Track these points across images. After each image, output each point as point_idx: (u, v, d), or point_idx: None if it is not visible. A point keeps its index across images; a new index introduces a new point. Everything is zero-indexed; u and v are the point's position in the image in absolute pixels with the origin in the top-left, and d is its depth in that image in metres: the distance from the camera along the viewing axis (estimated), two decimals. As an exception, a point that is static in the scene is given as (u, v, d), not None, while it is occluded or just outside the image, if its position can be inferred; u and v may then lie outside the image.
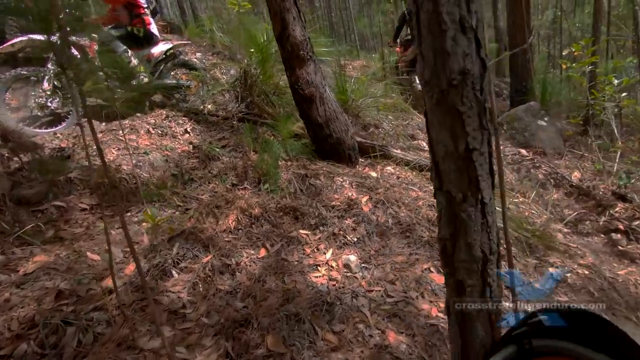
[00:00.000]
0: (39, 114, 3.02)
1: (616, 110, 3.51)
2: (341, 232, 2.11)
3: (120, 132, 2.93)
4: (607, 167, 3.74)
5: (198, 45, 6.32)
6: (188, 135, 3.16)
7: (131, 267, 1.67)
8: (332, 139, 2.87)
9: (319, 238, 2.09)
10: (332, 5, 14.40)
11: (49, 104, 2.94)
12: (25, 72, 2.82)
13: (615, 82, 3.33)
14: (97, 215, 2.17)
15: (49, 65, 2.96)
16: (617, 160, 3.41)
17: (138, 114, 3.33)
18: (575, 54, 3.45)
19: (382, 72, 5.66)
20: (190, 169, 2.72)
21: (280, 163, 2.88)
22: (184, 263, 1.72)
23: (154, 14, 3.68)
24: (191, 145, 2.96)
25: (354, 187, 2.62)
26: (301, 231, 2.14)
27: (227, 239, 2.00)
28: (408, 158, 3.12)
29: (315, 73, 2.75)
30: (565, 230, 2.69)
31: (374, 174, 2.84)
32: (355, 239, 2.07)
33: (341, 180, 2.67)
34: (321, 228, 2.16)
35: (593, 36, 4.94)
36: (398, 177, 2.84)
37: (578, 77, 3.48)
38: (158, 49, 3.63)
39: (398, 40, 5.94)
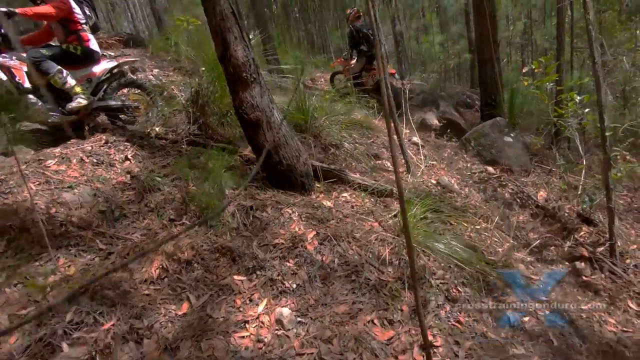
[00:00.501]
0: None
1: (579, 126, 3.44)
2: (280, 277, 1.90)
3: (49, 161, 2.66)
4: (573, 183, 3.66)
5: (162, 60, 6.07)
6: (129, 162, 2.90)
7: (14, 339, 1.41)
8: (282, 165, 2.67)
9: (254, 285, 1.86)
10: (309, 18, 14.38)
11: None
12: None
13: (578, 98, 3.25)
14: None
15: None
16: (582, 178, 3.32)
17: (73, 140, 3.06)
18: (536, 70, 3.36)
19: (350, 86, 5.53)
20: (124, 203, 2.46)
21: (227, 192, 2.67)
22: (79, 332, 1.46)
23: (94, 29, 3.42)
24: (129, 175, 2.70)
25: (303, 219, 2.42)
26: (236, 277, 1.91)
27: (145, 292, 1.75)
28: (366, 183, 2.94)
29: (262, 96, 2.55)
30: (529, 258, 2.55)
31: (327, 203, 2.64)
32: (295, 286, 1.86)
33: (290, 212, 2.46)
34: (258, 272, 1.94)
35: (557, 48, 4.94)
36: (353, 206, 2.65)
37: (541, 94, 3.40)
38: (100, 68, 3.37)
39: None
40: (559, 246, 2.76)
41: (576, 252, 2.64)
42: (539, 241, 2.83)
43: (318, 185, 2.97)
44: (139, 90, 3.67)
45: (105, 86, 3.42)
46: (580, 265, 2.47)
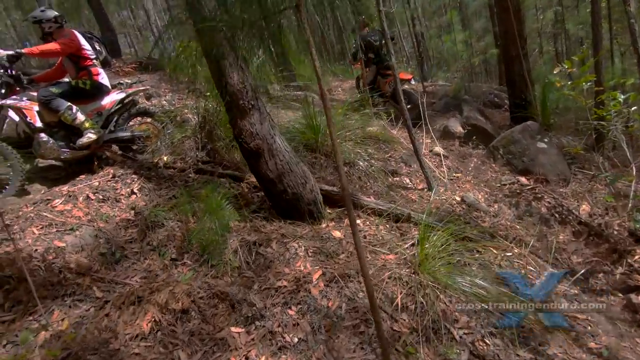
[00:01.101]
0: None
1: (625, 129, 3.02)
2: (280, 329, 1.71)
3: (56, 200, 2.65)
4: (622, 191, 3.22)
5: (180, 82, 6.13)
6: (135, 196, 2.84)
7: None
8: (288, 195, 2.49)
9: (252, 339, 1.69)
10: (327, 23, 14.27)
11: None
12: None
13: (622, 97, 2.85)
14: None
15: None
16: (633, 189, 2.89)
17: (82, 176, 3.06)
18: (570, 71, 2.99)
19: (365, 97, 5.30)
20: (126, 242, 2.39)
21: (232, 225, 2.53)
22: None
23: (104, 64, 3.45)
24: (133, 211, 2.63)
25: (309, 254, 2.23)
26: (233, 329, 1.75)
27: (135, 351, 1.62)
28: (381, 207, 2.70)
29: (262, 122, 2.40)
30: (573, 291, 2.20)
31: (337, 234, 2.43)
32: (296, 340, 1.67)
33: (296, 246, 2.28)
34: (257, 323, 1.76)
35: (594, 40, 4.46)
36: (365, 236, 2.42)
37: (576, 96, 3.01)
38: (109, 100, 3.38)
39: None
40: (608, 273, 2.39)
41: (631, 280, 2.26)
42: (584, 266, 2.46)
43: (329, 212, 2.77)
44: (150, 119, 3.66)
45: (115, 118, 3.43)
46: (638, 298, 2.10)
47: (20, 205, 2.59)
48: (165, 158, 3.37)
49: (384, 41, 5.29)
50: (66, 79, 3.22)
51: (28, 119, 2.94)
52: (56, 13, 3.24)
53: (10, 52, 2.85)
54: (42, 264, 2.07)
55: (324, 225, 2.58)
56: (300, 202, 2.52)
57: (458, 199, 3.21)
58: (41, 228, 2.33)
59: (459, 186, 3.54)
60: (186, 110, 4.55)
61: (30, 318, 1.82)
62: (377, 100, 5.58)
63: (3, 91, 2.87)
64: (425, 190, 3.30)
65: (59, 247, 2.24)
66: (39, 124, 2.99)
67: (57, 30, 3.11)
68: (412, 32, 13.14)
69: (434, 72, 11.56)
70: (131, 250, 2.34)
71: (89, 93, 3.24)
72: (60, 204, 2.62)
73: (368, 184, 3.31)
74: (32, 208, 2.55)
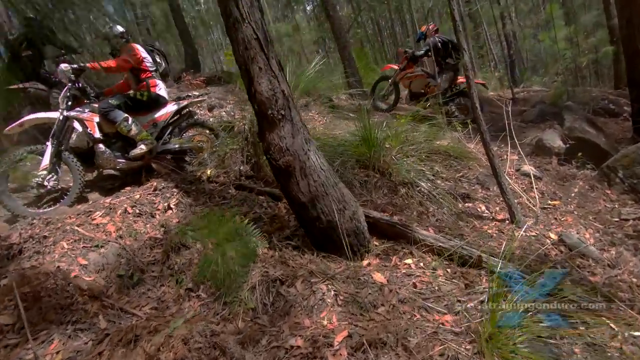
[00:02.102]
0: (37, 193, 2.94)
1: None
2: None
3: (97, 212, 2.63)
4: None
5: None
6: (171, 211, 2.70)
7: None
8: (321, 222, 2.07)
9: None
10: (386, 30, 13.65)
11: (46, 183, 2.83)
12: (25, 151, 2.79)
13: None
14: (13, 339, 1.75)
15: (48, 143, 2.88)
16: None
17: (128, 187, 3.04)
18: None
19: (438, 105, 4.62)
20: (148, 264, 2.21)
21: (260, 252, 2.20)
22: None
23: (164, 76, 3.48)
24: (162, 229, 2.47)
25: (339, 303, 1.76)
26: (224, 399, 1.37)
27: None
28: (442, 244, 2.10)
29: (294, 136, 2.03)
30: None
31: (379, 277, 1.92)
32: None
33: (325, 289, 1.84)
34: (254, 397, 1.36)
35: None
36: (416, 284, 1.86)
37: None
38: (164, 112, 3.38)
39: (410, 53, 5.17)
40: None
41: None
42: None
43: (376, 244, 2.27)
44: (205, 131, 3.59)
45: (170, 129, 3.41)
46: None
47: (67, 215, 2.62)
48: (209, 171, 3.22)
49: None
50: (129, 92, 3.30)
51: (88, 130, 3.04)
52: (122, 29, 3.36)
53: (75, 66, 2.99)
54: (60, 282, 1.97)
55: (365, 263, 2.08)
56: (337, 233, 2.07)
57: (554, 237, 2.42)
58: (71, 242, 2.28)
59: (555, 219, 2.71)
60: (244, 122, 4.46)
61: (29, 346, 1.69)
62: (452, 109, 4.87)
63: (70, 103, 3.01)
64: (507, 222, 2.57)
65: (81, 264, 2.15)
66: (97, 134, 3.08)
67: (123, 46, 3.22)
68: (503, 33, 11.75)
69: (527, 77, 10.07)
70: (150, 274, 2.15)
71: (146, 104, 3.28)
72: (100, 216, 2.59)
73: (430, 210, 2.71)
74: (74, 219, 2.55)
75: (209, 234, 2.16)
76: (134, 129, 3.12)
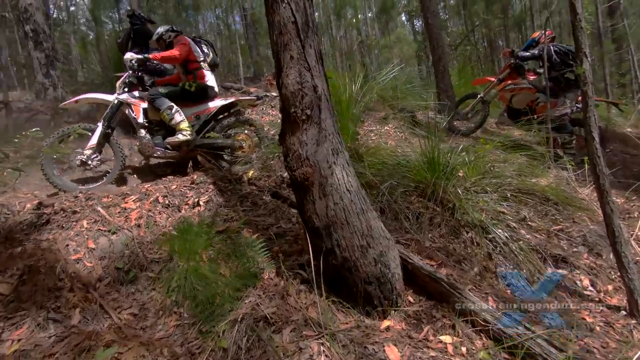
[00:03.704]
0: (82, 171, 3.05)
1: None
2: None
3: (132, 197, 2.60)
4: None
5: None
6: (198, 208, 2.53)
7: None
8: (336, 257, 1.60)
9: None
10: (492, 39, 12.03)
11: (89, 162, 2.93)
12: (70, 129, 2.91)
13: None
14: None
15: (99, 124, 2.99)
16: None
17: (170, 176, 2.99)
18: None
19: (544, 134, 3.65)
20: (151, 262, 2.02)
21: (263, 276, 1.83)
22: None
23: (212, 67, 3.42)
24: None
25: (327, 378, 1.27)
26: None
27: None
28: (503, 327, 1.43)
29: (318, 143, 1.62)
30: None
31: (394, 353, 1.36)
32: None
33: (316, 350, 1.37)
34: None
35: None
36: (445, 382, 1.26)
37: None
38: (209, 106, 3.29)
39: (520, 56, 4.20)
40: None
41: None
42: None
43: (410, 300, 1.70)
44: (249, 130, 3.41)
45: (212, 124, 3.30)
46: None
47: (106, 194, 2.64)
48: (251, 173, 3.00)
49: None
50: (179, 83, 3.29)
51: (133, 114, 3.10)
52: (169, 26, 3.42)
53: (140, 56, 3.08)
54: (58, 263, 1.89)
55: (384, 324, 1.54)
56: (353, 276, 1.58)
57: None
58: (91, 223, 2.24)
59: None
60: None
61: (1, 325, 1.60)
62: (566, 138, 3.86)
63: (126, 89, 3.11)
64: (623, 313, 1.72)
65: (89, 247, 2.06)
66: (141, 120, 3.11)
67: (175, 39, 3.24)
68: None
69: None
70: (147, 273, 1.95)
71: (194, 95, 3.23)
72: (132, 200, 2.54)
73: (502, 268, 1.99)
74: (109, 199, 2.54)
75: (200, 244, 1.86)
76: (177, 118, 3.07)
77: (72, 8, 16.25)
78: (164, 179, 2.93)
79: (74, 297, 1.74)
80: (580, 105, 3.81)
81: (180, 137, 3.01)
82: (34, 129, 2.57)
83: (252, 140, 3.35)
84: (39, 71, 5.51)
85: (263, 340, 1.45)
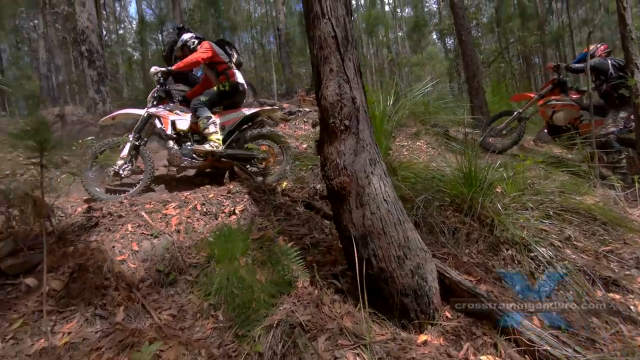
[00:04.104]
0: (115, 180, 3.21)
1: None
2: None
3: (172, 204, 2.72)
4: None
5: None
6: (234, 217, 2.60)
7: None
8: (372, 268, 1.59)
9: None
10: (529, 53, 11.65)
11: (121, 172, 3.09)
12: (109, 142, 3.10)
13: None
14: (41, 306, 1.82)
15: (130, 135, 3.17)
16: None
17: (207, 185, 3.11)
18: None
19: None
20: (189, 266, 2.09)
21: (297, 285, 1.85)
22: None
23: (238, 65, 3.56)
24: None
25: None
26: None
27: None
28: (550, 348, 1.36)
29: (356, 153, 1.64)
30: None
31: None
32: None
33: (352, 359, 1.35)
34: None
35: None
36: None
37: None
38: (233, 116, 3.40)
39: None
40: None
41: None
42: None
43: (448, 316, 1.65)
44: (272, 142, 3.48)
45: (236, 135, 3.39)
46: None
47: (148, 201, 2.78)
48: (284, 184, 3.06)
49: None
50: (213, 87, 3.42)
51: (162, 126, 3.25)
52: (193, 33, 3.60)
53: (163, 69, 3.27)
54: (106, 263, 2.00)
55: (421, 338, 1.50)
56: (389, 288, 1.56)
57: None
58: (135, 227, 2.36)
59: None
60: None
61: (53, 318, 1.70)
62: (615, 157, 3.66)
63: (155, 103, 3.29)
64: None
65: (132, 250, 2.17)
66: (169, 132, 3.25)
67: (198, 44, 3.41)
68: None
69: None
70: (186, 277, 2.02)
71: (229, 94, 3.35)
72: (172, 207, 2.66)
73: (500, 269, 1.89)
74: (152, 205, 2.68)
75: (239, 250, 1.91)
76: (210, 129, 3.19)
77: (120, 31, 17.58)
78: (202, 187, 3.05)
79: (118, 295, 1.83)
80: (630, 125, 3.61)
81: (206, 146, 3.12)
82: (89, 138, 2.76)
83: (274, 151, 3.43)
84: (91, 87, 5.97)
85: (298, 346, 1.45)
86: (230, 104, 3.49)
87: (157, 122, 3.25)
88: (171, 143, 3.20)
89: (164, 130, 3.21)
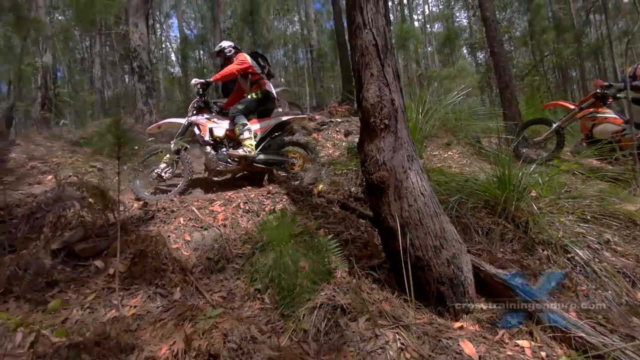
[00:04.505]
0: (160, 182, 3.49)
1: None
2: None
3: (217, 201, 2.94)
4: None
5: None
6: (275, 214, 2.78)
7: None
8: (410, 256, 1.69)
9: None
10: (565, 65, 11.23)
11: (163, 174, 3.37)
12: (153, 149, 3.39)
13: None
14: (111, 284, 2.05)
15: (172, 142, 3.45)
16: None
17: (248, 186, 3.32)
18: None
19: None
20: (235, 256, 2.28)
21: (337, 275, 1.97)
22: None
23: (269, 76, 3.79)
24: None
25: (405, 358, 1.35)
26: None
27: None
28: (586, 335, 1.40)
29: (395, 150, 1.78)
30: None
31: (470, 348, 1.39)
32: None
33: (391, 337, 1.45)
34: None
35: None
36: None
37: None
38: (264, 124, 3.61)
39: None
40: None
41: None
42: None
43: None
44: (305, 149, 3.65)
45: (267, 141, 3.59)
46: None
47: (196, 199, 3.02)
48: (320, 187, 3.22)
49: None
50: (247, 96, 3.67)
51: (200, 133, 3.51)
52: (230, 43, 3.87)
53: (202, 81, 3.56)
54: (163, 250, 2.22)
55: (457, 324, 1.57)
56: (426, 275, 1.65)
57: None
58: (187, 220, 2.58)
59: None
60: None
61: (121, 294, 1.92)
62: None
63: (195, 112, 3.57)
64: None
65: (185, 240, 2.38)
66: (207, 138, 3.51)
67: (234, 54, 3.67)
68: None
69: None
70: (233, 265, 2.20)
71: (262, 101, 3.59)
72: (218, 205, 2.87)
73: (584, 286, 1.91)
74: (199, 202, 2.91)
75: (285, 238, 2.07)
76: (245, 135, 3.41)
77: (161, 51, 18.81)
78: (243, 188, 3.27)
79: (175, 277, 2.03)
80: None
81: (240, 151, 3.35)
82: (149, 139, 3.06)
83: (303, 157, 3.60)
84: (140, 100, 6.48)
85: (340, 325, 1.57)
86: (263, 111, 3.74)
87: (196, 129, 3.53)
88: (208, 148, 3.47)
89: (202, 136, 3.49)
